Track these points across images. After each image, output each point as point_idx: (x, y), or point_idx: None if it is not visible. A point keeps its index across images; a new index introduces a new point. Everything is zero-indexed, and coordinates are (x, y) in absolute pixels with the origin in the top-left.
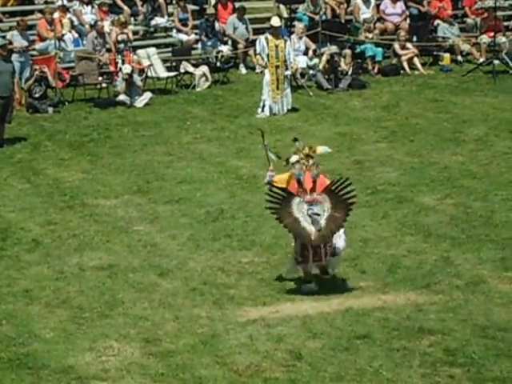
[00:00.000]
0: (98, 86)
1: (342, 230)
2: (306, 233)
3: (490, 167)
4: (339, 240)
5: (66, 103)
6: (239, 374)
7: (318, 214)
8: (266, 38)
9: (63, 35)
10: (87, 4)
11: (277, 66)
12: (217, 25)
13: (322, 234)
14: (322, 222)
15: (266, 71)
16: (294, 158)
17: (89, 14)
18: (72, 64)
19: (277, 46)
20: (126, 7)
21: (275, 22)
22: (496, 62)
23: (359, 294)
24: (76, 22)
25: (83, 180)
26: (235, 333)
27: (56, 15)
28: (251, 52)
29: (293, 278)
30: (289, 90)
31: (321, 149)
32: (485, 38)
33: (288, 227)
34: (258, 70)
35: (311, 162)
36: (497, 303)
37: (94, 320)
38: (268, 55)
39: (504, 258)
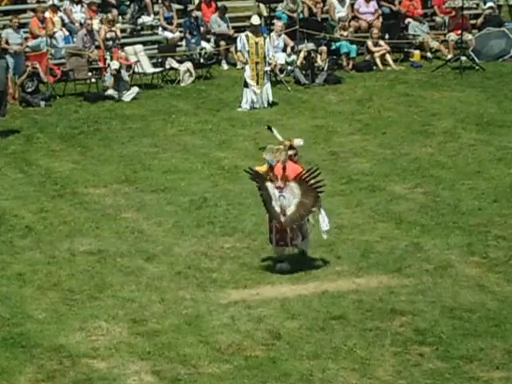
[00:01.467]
0: (88, 81)
1: (323, 217)
2: (276, 215)
3: (457, 158)
4: (323, 224)
5: (57, 97)
6: (221, 352)
7: (285, 198)
8: (247, 36)
9: (54, 33)
10: (77, 3)
11: (257, 63)
12: (199, 13)
13: (290, 218)
14: (292, 207)
15: (247, 67)
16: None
17: (79, 13)
18: (63, 60)
19: (257, 44)
20: (114, 3)
21: (255, 20)
22: (463, 58)
23: (335, 277)
24: (66, 21)
25: (73, 170)
26: (218, 314)
27: (47, 14)
28: (232, 49)
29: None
30: (268, 85)
31: (296, 141)
32: (453, 36)
33: (264, 198)
34: (239, 66)
35: (291, 152)
36: (463, 286)
37: (84, 302)
38: (248, 52)
39: (470, 243)
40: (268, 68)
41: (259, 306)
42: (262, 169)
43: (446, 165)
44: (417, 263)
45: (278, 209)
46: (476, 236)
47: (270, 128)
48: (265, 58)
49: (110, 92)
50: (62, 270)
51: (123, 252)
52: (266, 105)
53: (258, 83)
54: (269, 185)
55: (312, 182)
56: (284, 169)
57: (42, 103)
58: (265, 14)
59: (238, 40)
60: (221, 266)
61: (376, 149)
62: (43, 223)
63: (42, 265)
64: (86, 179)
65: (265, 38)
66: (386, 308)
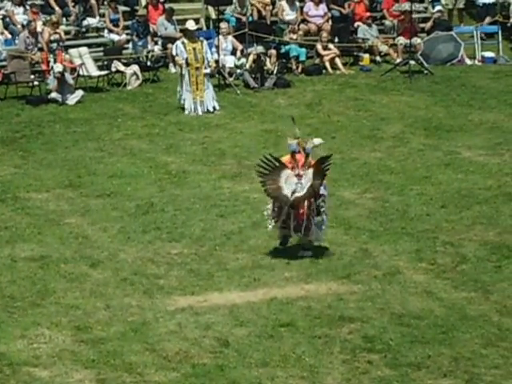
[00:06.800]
0: (30, 84)
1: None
2: (285, 198)
3: (406, 163)
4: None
5: None
6: (168, 360)
7: (302, 186)
8: (183, 43)
9: None
10: (19, 5)
11: (197, 68)
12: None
13: (299, 198)
14: (304, 190)
15: (186, 73)
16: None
17: (21, 15)
18: (4, 63)
19: (195, 49)
20: (57, 8)
21: (190, 25)
22: (412, 62)
23: (283, 284)
24: (8, 22)
25: (15, 174)
26: (164, 321)
27: None
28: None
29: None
30: (211, 89)
31: (315, 141)
32: (401, 40)
33: (268, 192)
34: (176, 70)
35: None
36: (412, 293)
37: (26, 309)
38: (187, 59)
39: (418, 249)
40: (207, 70)
41: (207, 312)
42: (285, 158)
43: (395, 170)
44: (365, 269)
45: (288, 194)
46: (424, 242)
47: (293, 119)
48: (204, 62)
49: (54, 95)
50: (2, 277)
51: (67, 258)
52: (210, 109)
53: (197, 88)
54: (288, 171)
55: (325, 163)
56: (307, 156)
57: None
58: (213, 16)
59: (174, 47)
60: (168, 273)
61: (325, 153)
62: None
63: None
64: (28, 184)
65: (202, 42)
66: (335, 315)
